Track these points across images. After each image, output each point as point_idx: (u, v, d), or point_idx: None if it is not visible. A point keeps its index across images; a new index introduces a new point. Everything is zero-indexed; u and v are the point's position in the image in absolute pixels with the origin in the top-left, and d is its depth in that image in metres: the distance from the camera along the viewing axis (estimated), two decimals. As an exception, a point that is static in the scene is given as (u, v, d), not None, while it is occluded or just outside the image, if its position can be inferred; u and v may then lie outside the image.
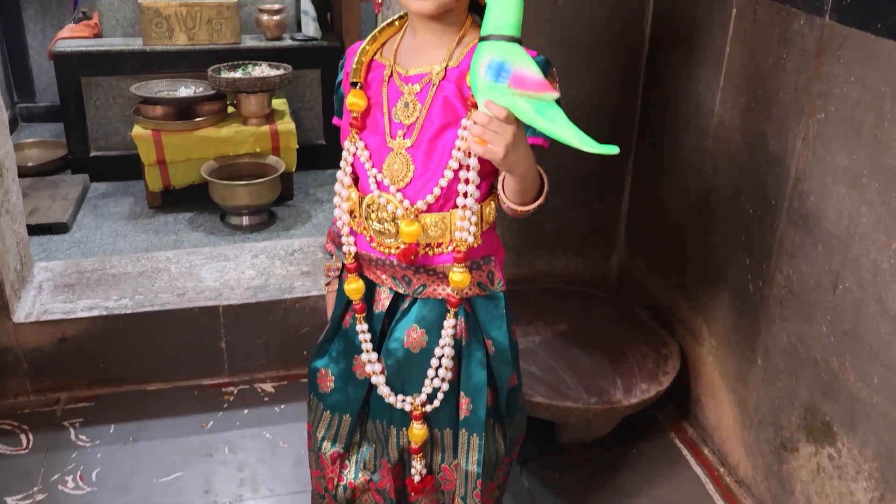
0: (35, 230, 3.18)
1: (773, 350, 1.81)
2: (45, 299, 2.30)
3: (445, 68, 1.25)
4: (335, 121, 1.47)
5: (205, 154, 3.39)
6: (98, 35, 3.72)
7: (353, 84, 1.32)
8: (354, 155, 1.32)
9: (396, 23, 1.36)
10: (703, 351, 2.11)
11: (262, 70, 3.49)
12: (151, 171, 3.38)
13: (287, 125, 3.47)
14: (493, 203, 1.32)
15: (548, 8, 2.13)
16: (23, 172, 3.70)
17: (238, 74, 3.43)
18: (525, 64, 1.10)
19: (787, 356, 1.77)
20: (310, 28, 3.75)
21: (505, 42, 1.12)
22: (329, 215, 3.48)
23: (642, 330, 2.24)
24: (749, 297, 1.89)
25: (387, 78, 1.30)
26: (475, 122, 1.11)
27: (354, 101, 1.31)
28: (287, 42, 3.74)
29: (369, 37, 1.35)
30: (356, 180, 1.34)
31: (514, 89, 1.09)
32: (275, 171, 3.37)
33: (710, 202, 2.02)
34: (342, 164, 1.34)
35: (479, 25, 1.26)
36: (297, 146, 3.49)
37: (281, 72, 3.47)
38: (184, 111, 3.39)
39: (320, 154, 3.87)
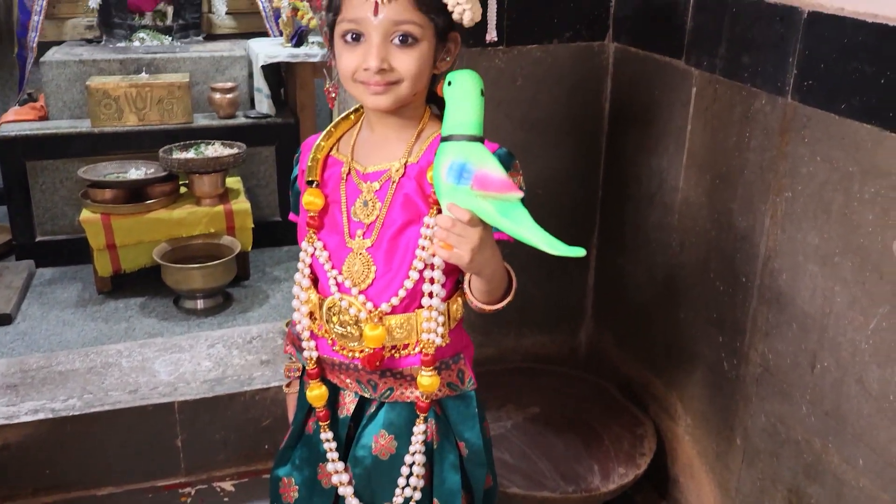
0: (-25, 322, 3.04)
1: (753, 430, 1.77)
2: (-15, 402, 2.17)
3: (405, 165, 1.22)
4: (292, 217, 1.42)
5: (157, 236, 3.29)
6: (44, 117, 3.63)
7: (309, 182, 1.27)
8: (313, 255, 1.27)
9: (352, 116, 1.32)
10: (679, 430, 2.06)
11: (216, 149, 3.42)
12: (101, 255, 3.26)
13: (242, 205, 3.39)
14: (459, 299, 1.28)
15: (507, 87, 2.12)
16: (-36, 260, 3.59)
17: (190, 154, 3.36)
18: (488, 164, 1.06)
19: (766, 436, 1.72)
20: (263, 105, 3.71)
21: (466, 142, 1.08)
22: (287, 295, 3.38)
23: (615, 408, 2.18)
24: (724, 375, 1.84)
25: (344, 175, 1.26)
26: (439, 226, 1.07)
27: (311, 199, 1.26)
28: (241, 120, 3.69)
29: (324, 132, 1.31)
30: (315, 281, 1.28)
31: (476, 191, 1.05)
32: (230, 252, 3.28)
33: (678, 278, 1.99)
34: (300, 264, 1.29)
35: (438, 118, 1.23)
36: (252, 225, 3.41)
37: (234, 150, 3.41)
38: (134, 193, 3.30)
39: (277, 231, 3.79)
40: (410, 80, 1.14)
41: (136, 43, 3.89)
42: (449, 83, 1.11)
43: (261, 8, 4.08)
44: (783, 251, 1.62)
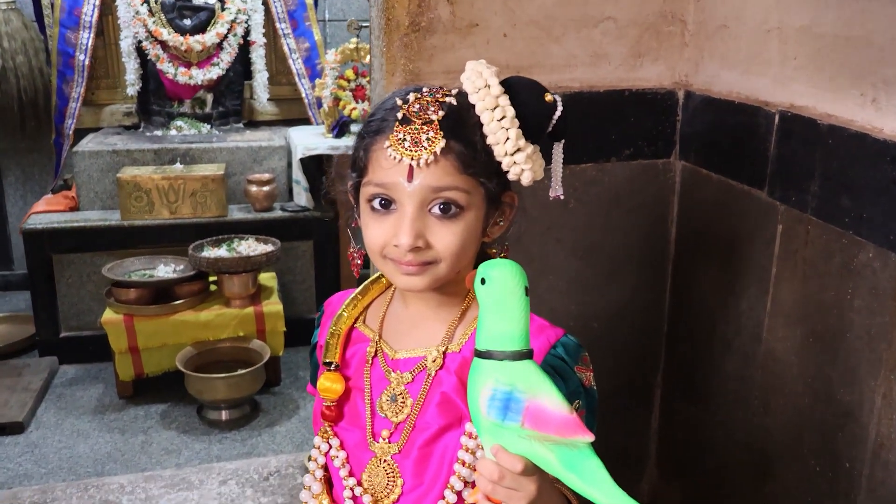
0: (-14, 431, 2.86)
1: None
2: (-33, 551, 1.94)
3: (444, 353, 0.98)
4: (310, 389, 1.18)
5: (182, 339, 3.08)
6: (75, 208, 3.49)
7: (327, 364, 1.03)
8: (327, 455, 1.03)
9: (384, 279, 1.09)
10: None
11: (249, 245, 3.23)
12: (122, 358, 3.07)
13: (274, 306, 3.18)
14: None
15: (557, 210, 1.86)
16: (-13, 355, 3.44)
17: (222, 251, 3.17)
18: (542, 391, 0.80)
19: None
20: (301, 198, 3.52)
21: (511, 361, 0.82)
22: (318, 404, 3.13)
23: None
24: (819, 573, 1.52)
25: (370, 357, 1.03)
26: (483, 476, 0.82)
27: (328, 385, 1.03)
28: (277, 213, 3.50)
29: (349, 298, 1.08)
30: (329, 483, 1.04)
31: (529, 430, 0.78)
32: (259, 358, 3.05)
33: (763, 444, 1.67)
34: (311, 464, 1.06)
35: None
36: (284, 329, 3.19)
37: (268, 248, 3.20)
38: (160, 293, 3.11)
39: (312, 329, 3.55)
40: (451, 260, 0.93)
41: (173, 132, 3.75)
42: (482, 280, 0.86)
43: (303, 95, 3.92)
44: (899, 441, 1.31)
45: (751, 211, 1.66)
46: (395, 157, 0.89)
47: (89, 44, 3.64)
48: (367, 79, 3.55)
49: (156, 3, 3.60)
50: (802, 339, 1.53)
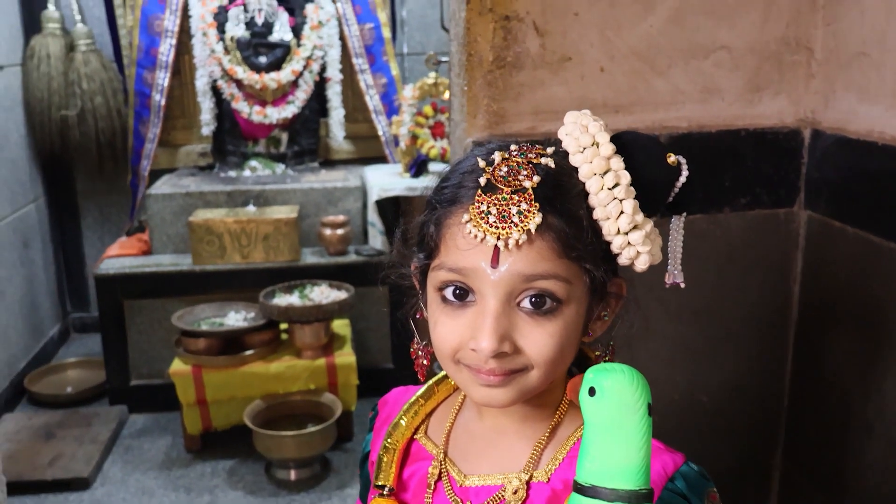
0: (51, 486, 2.76)
1: None
2: None
3: (528, 483, 0.76)
4: (359, 505, 0.98)
5: (251, 392, 2.94)
6: (147, 251, 3.42)
7: (379, 487, 0.83)
8: None
9: (452, 381, 0.87)
10: None
11: (322, 291, 3.07)
12: (190, 411, 2.94)
13: (347, 358, 3.00)
14: None
15: (659, 266, 1.62)
16: (59, 402, 3.38)
17: (294, 298, 3.02)
18: None
19: None
20: (377, 241, 3.36)
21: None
22: (392, 463, 2.93)
23: None
24: None
25: (433, 481, 0.82)
26: None
27: None
28: (352, 257, 3.34)
29: (409, 403, 0.88)
30: None
31: None
32: (330, 413, 2.88)
33: (918, 556, 1.39)
34: None
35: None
36: (357, 382, 3.01)
37: (342, 296, 3.04)
38: (230, 343, 2.98)
39: (387, 380, 3.33)
40: (545, 368, 0.72)
41: (248, 172, 3.65)
42: (591, 391, 0.65)
43: (380, 133, 3.78)
44: None
45: (893, 270, 1.39)
46: (475, 236, 0.69)
47: (165, 83, 3.59)
48: (447, 115, 3.38)
49: (231, 40, 3.52)
50: (973, 433, 1.25)
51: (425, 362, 0.84)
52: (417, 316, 0.84)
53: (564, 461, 0.76)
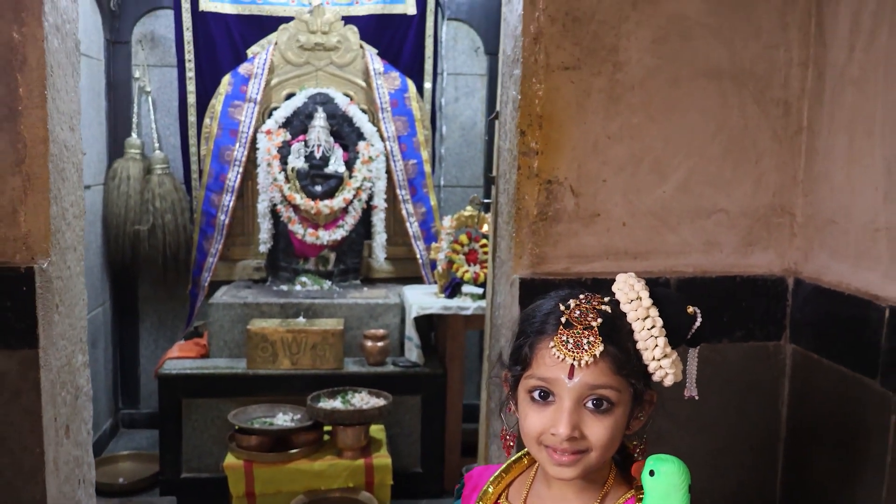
0: (111, 567, 3.00)
1: None
2: None
3: None
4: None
5: (295, 487, 3.21)
6: (205, 355, 3.76)
7: None
8: None
9: (525, 459, 1.19)
10: None
11: (362, 398, 3.39)
12: (239, 503, 3.21)
13: (383, 459, 3.29)
14: None
15: (670, 389, 1.96)
16: (114, 491, 3.64)
17: (337, 403, 3.34)
18: None
19: None
20: (413, 354, 3.70)
21: None
22: (421, 561, 3.18)
23: None
24: None
25: None
26: None
27: None
28: (389, 368, 3.68)
29: (494, 476, 1.18)
30: None
31: None
32: (366, 511, 3.14)
33: None
34: None
35: (624, 479, 1.09)
36: (391, 482, 3.29)
37: (381, 402, 3.36)
38: (279, 441, 3.28)
39: (417, 482, 3.65)
40: (601, 451, 1.03)
41: (298, 286, 4.05)
42: (651, 473, 0.98)
43: (418, 256, 4.19)
44: None
45: (864, 399, 1.72)
46: (559, 357, 1.01)
47: (230, 205, 4.04)
48: (480, 244, 3.78)
49: (292, 171, 3.99)
50: (922, 530, 1.55)
51: (512, 444, 1.17)
52: (508, 410, 1.16)
53: None
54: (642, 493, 1.02)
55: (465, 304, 3.66)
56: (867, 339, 1.69)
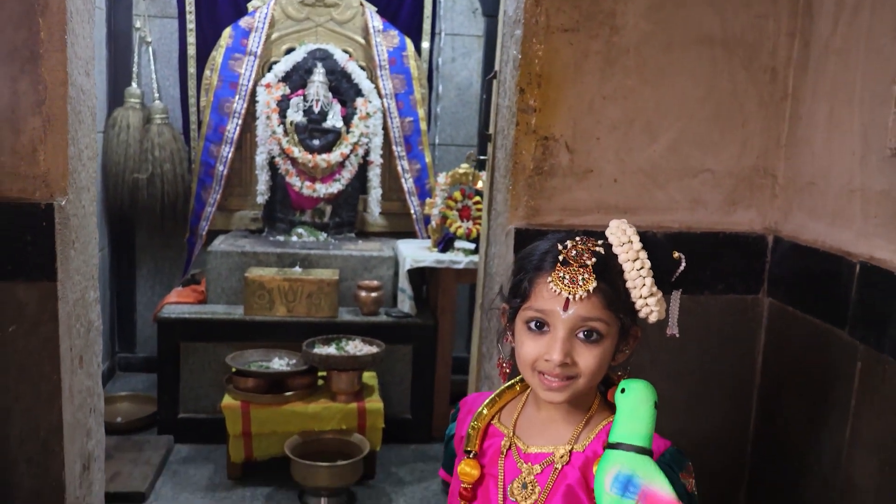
0: (113, 498, 3.12)
1: None
2: None
3: (570, 452, 1.18)
4: (442, 474, 1.39)
5: (290, 428, 3.35)
6: (203, 301, 3.87)
7: (467, 451, 1.25)
8: None
9: (518, 386, 1.31)
10: None
11: (356, 345, 3.51)
12: (236, 441, 3.34)
13: (375, 404, 3.43)
14: None
15: (654, 334, 2.08)
16: (111, 429, 3.76)
17: (332, 349, 3.46)
18: (657, 480, 1.03)
19: None
20: (405, 305, 3.82)
21: (635, 454, 1.05)
22: (410, 500, 3.33)
23: None
24: None
25: (504, 450, 1.23)
26: None
27: (467, 471, 1.23)
28: (382, 318, 3.80)
29: (488, 400, 1.30)
30: None
31: None
32: (359, 451, 3.28)
33: (839, 566, 1.81)
34: None
35: (608, 405, 1.20)
36: (383, 425, 3.43)
37: (374, 350, 3.48)
38: (275, 384, 3.40)
39: (406, 429, 3.80)
40: (589, 377, 1.13)
41: (294, 238, 4.15)
42: (622, 391, 1.10)
43: (412, 211, 4.29)
44: (967, 566, 1.45)
45: (833, 348, 1.85)
46: (555, 291, 1.11)
47: (229, 157, 4.11)
48: (473, 200, 3.88)
49: (290, 124, 4.06)
50: (879, 467, 1.69)
51: (507, 370, 1.28)
52: (505, 340, 1.27)
53: (594, 439, 1.18)
54: None
55: (458, 258, 3.77)
56: (838, 293, 1.82)
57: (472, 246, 3.81)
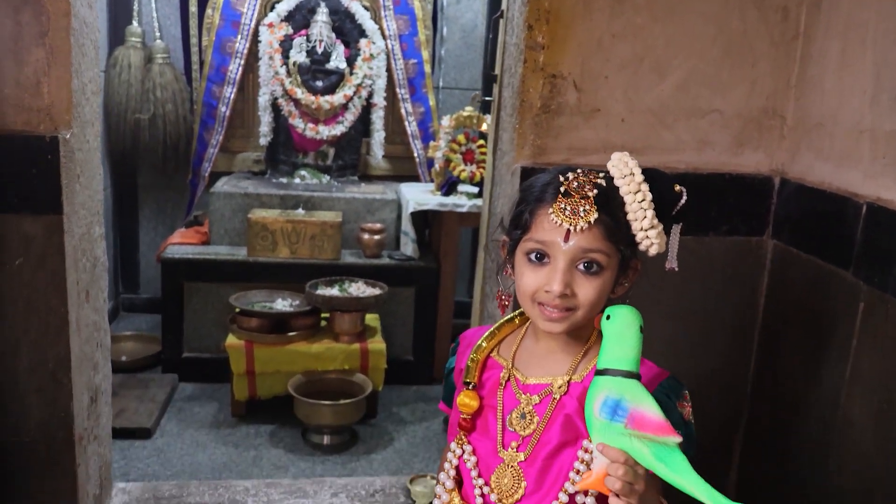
0: (119, 433, 3.17)
1: None
2: (118, 530, 2.24)
3: (568, 382, 1.19)
4: (442, 407, 1.40)
5: (293, 368, 3.38)
6: (206, 242, 3.88)
7: (466, 383, 1.26)
8: (460, 459, 1.24)
9: (517, 319, 1.31)
10: None
11: (359, 287, 3.53)
12: (240, 380, 3.38)
13: (377, 345, 3.46)
14: None
15: (657, 275, 2.08)
16: (116, 367, 3.79)
17: (335, 291, 3.48)
18: (644, 403, 1.04)
19: None
20: (408, 248, 3.82)
21: (623, 378, 1.06)
22: (412, 440, 3.38)
23: None
24: None
25: (503, 382, 1.24)
26: (612, 459, 1.03)
27: (466, 402, 1.24)
28: (385, 260, 3.81)
29: (487, 333, 1.31)
30: (459, 482, 1.26)
31: (631, 430, 1.02)
32: (361, 391, 3.32)
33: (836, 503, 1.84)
34: (446, 464, 1.26)
35: None
36: (385, 366, 3.46)
37: (377, 291, 3.50)
38: (278, 324, 3.43)
39: (408, 370, 3.84)
40: (588, 308, 1.13)
41: (297, 180, 4.14)
42: (608, 317, 1.10)
43: (415, 154, 4.27)
44: (961, 500, 1.48)
45: (836, 288, 1.86)
46: (556, 222, 1.11)
47: (231, 97, 4.08)
48: (477, 144, 3.86)
49: (293, 65, 4.02)
50: (879, 407, 1.71)
51: (507, 303, 1.29)
52: (504, 273, 1.27)
53: (591, 370, 1.20)
54: None
55: (461, 201, 3.77)
56: (844, 234, 1.82)
57: (475, 189, 3.80)
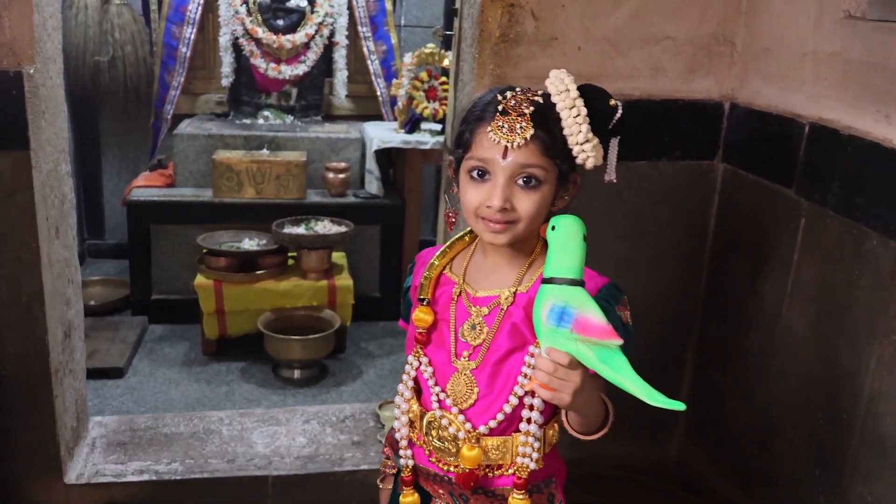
0: (92, 374, 3.21)
1: (848, 574, 1.72)
2: (96, 458, 2.30)
3: (514, 293, 1.26)
4: (401, 324, 1.47)
5: (262, 305, 3.44)
6: (171, 184, 3.88)
7: (421, 300, 1.32)
8: (418, 370, 1.31)
9: (467, 237, 1.37)
10: (769, 561, 2.01)
11: (325, 226, 3.58)
12: (209, 319, 3.43)
13: (345, 281, 3.53)
14: (556, 425, 1.29)
15: (612, 198, 2.17)
16: (86, 311, 3.82)
17: (301, 230, 3.53)
18: (588, 309, 1.10)
19: (863, 583, 1.67)
20: (373, 186, 3.87)
21: (568, 286, 1.12)
22: (380, 372, 3.48)
23: (703, 530, 2.15)
24: (820, 512, 1.81)
25: (455, 296, 1.31)
26: (540, 369, 1.10)
27: (421, 316, 1.31)
28: (350, 199, 3.86)
29: (439, 251, 1.36)
30: (418, 393, 1.33)
31: (576, 335, 1.08)
32: (330, 326, 3.40)
33: (777, 406, 1.97)
34: (404, 376, 1.33)
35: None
36: (353, 301, 3.54)
37: (343, 229, 3.56)
38: (246, 263, 3.48)
39: (375, 306, 3.91)
40: (528, 221, 1.19)
41: (261, 120, 4.14)
42: (553, 227, 1.15)
43: (378, 93, 4.29)
44: (889, 394, 1.59)
45: (779, 206, 1.96)
46: (494, 139, 1.16)
47: (192, 38, 4.05)
48: (440, 81, 3.89)
49: (253, 3, 3.99)
50: (816, 314, 1.83)
51: (454, 220, 1.34)
52: (451, 191, 1.30)
53: (536, 281, 1.25)
54: None
55: (424, 138, 3.81)
56: (788, 154, 1.91)
57: (438, 127, 3.84)
